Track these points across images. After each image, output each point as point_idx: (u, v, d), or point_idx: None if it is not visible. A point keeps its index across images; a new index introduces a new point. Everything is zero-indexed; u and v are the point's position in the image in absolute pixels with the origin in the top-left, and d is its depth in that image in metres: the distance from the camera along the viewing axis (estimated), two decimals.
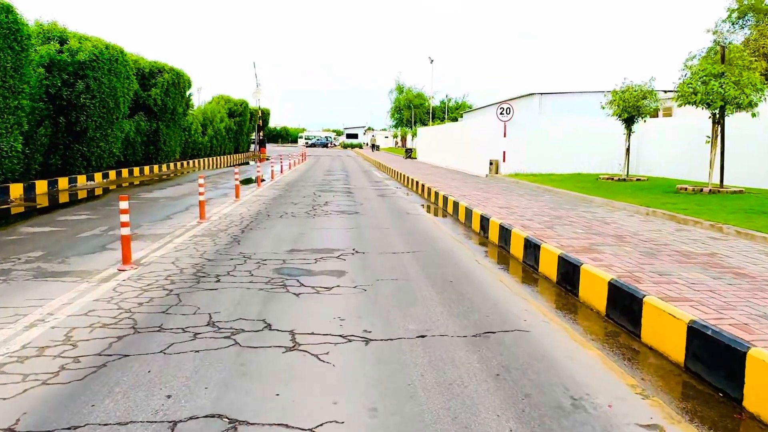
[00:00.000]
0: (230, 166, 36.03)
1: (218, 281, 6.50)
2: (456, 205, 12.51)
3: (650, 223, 9.60)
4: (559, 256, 6.64)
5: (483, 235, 10.04)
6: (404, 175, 22.72)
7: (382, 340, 4.71)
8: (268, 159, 45.40)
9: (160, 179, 22.63)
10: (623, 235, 8.25)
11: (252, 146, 57.27)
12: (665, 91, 21.58)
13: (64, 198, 15.80)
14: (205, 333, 4.78)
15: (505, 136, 21.79)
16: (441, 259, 8.03)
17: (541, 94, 30.87)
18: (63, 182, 17.45)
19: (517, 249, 8.18)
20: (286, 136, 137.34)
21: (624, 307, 5.14)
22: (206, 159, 35.38)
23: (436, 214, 13.22)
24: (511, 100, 26.23)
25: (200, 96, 77.15)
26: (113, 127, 19.74)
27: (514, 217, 10.04)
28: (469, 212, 11.22)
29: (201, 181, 11.12)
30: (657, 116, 22.17)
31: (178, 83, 26.71)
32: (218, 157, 38.64)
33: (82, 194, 16.83)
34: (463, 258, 8.20)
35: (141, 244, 8.74)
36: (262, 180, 21.32)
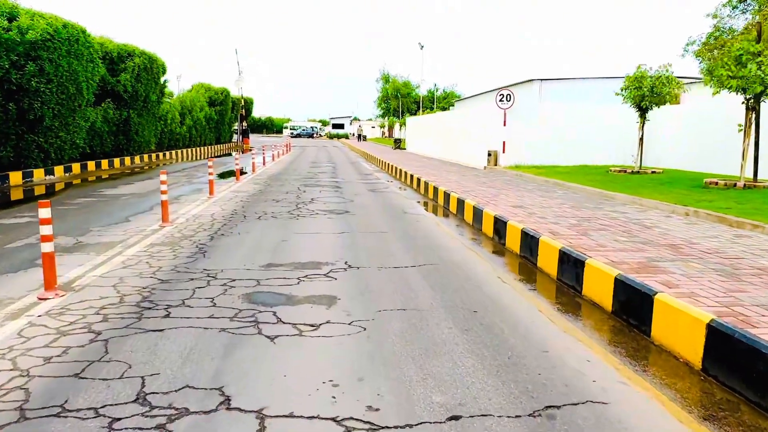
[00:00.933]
0: (211, 157, 34.11)
1: (167, 316, 4.87)
2: (461, 203, 10.94)
3: (697, 227, 8.09)
4: (616, 279, 5.09)
5: (498, 241, 8.48)
6: (395, 167, 21.10)
7: (397, 427, 3.12)
8: (251, 150, 43.60)
9: (131, 172, 20.77)
10: (678, 245, 6.72)
11: (234, 137, 55.28)
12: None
13: (15, 195, 13.99)
14: (127, 418, 3.16)
15: (505, 125, 20.23)
16: (455, 275, 6.45)
17: (541, 80, 29.22)
18: (15, 177, 15.53)
19: (548, 262, 6.62)
20: (271, 127, 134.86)
21: (736, 362, 3.60)
22: (185, 150, 33.44)
23: (436, 213, 11.64)
24: (509, 86, 24.58)
25: (180, 84, 74.73)
26: (75, 116, 17.80)
27: (534, 219, 8.49)
28: (478, 212, 9.65)
29: (163, 177, 9.40)
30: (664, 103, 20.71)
31: (151, 68, 24.67)
32: (198, 148, 36.70)
33: (39, 190, 15.02)
34: (482, 274, 6.63)
35: (81, 258, 7.05)
36: (243, 173, 19.60)
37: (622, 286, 5.01)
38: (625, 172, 16.43)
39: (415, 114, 67.80)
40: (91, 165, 20.43)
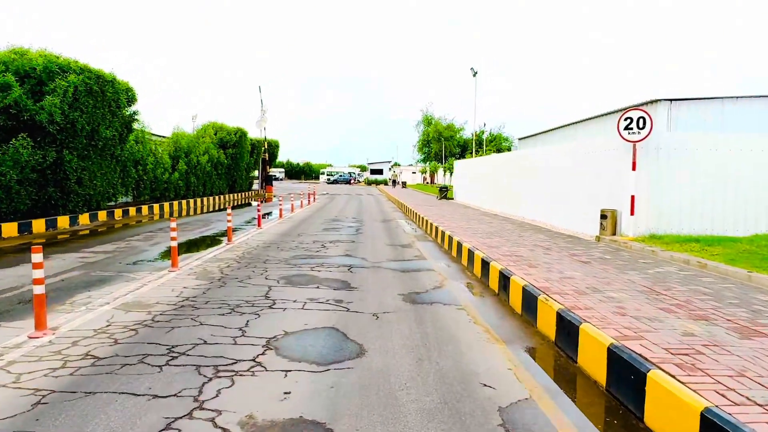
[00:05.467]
0: (217, 210, 27.07)
1: None
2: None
3: None
4: None
5: None
6: (451, 237, 13.18)
7: None
8: (272, 199, 37.27)
9: (44, 243, 13.53)
10: None
11: (255, 184, 48.86)
12: None
13: None
14: None
15: (634, 168, 12.20)
16: None
17: (671, 100, 20.81)
18: None
19: None
20: (309, 173, 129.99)
21: None
22: (176, 203, 26.46)
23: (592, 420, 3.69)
24: (620, 111, 16.10)
25: (194, 125, 69.70)
26: None
27: None
28: None
29: None
30: None
31: (102, 92, 17.67)
32: (199, 199, 29.76)
33: None
34: None
35: None
36: (215, 242, 12.05)
37: None
38: None
39: (463, 157, 60.33)
40: None
